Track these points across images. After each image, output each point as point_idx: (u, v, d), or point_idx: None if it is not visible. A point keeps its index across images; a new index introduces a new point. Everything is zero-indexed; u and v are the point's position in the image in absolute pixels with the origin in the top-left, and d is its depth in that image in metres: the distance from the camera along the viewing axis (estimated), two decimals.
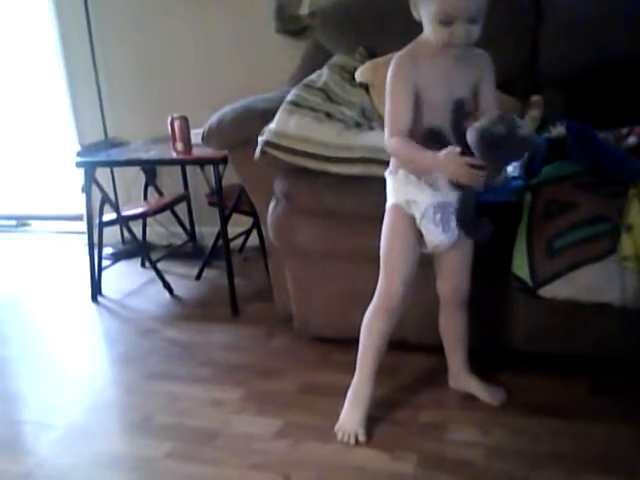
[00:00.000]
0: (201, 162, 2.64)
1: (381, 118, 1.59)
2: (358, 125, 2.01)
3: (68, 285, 2.91)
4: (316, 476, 1.50)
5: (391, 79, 1.48)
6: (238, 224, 2.79)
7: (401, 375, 1.87)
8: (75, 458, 1.64)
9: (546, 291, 1.57)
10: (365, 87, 2.18)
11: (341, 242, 1.89)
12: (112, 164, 2.80)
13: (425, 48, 1.46)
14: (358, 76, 2.20)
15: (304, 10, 2.61)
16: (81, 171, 2.61)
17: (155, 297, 2.65)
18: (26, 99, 3.76)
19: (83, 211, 2.85)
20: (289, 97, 2.00)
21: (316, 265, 1.98)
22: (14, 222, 3.81)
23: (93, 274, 2.68)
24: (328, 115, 1.97)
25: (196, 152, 2.49)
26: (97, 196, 2.63)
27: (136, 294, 2.72)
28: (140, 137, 2.93)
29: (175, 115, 2.52)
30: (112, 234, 3.07)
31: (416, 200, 1.51)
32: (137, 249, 2.99)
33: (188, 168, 3.00)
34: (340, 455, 1.56)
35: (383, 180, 1.60)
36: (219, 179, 2.38)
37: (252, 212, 2.57)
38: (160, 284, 2.66)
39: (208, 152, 2.34)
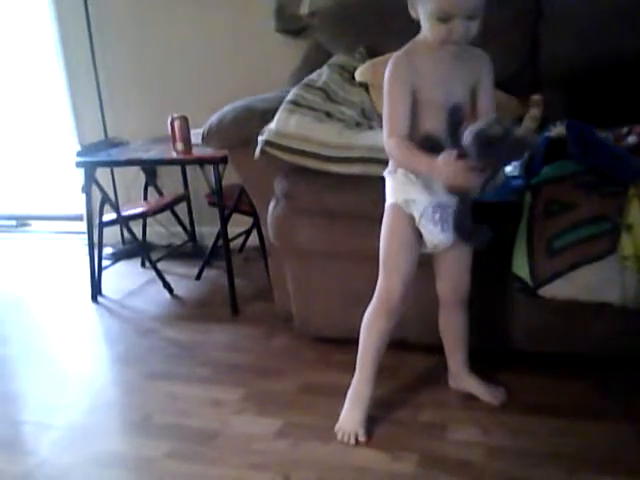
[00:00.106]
0: (201, 162, 2.63)
1: (381, 117, 1.59)
2: (358, 125, 2.01)
3: (68, 285, 2.91)
4: (316, 476, 1.50)
5: (388, 79, 1.48)
6: (238, 224, 2.79)
7: (401, 375, 1.87)
8: (75, 458, 1.64)
9: (546, 291, 1.57)
10: (365, 87, 2.19)
11: (341, 242, 1.88)
12: (112, 164, 2.80)
13: (423, 47, 1.46)
14: (358, 76, 2.20)
15: (304, 10, 2.61)
16: (81, 171, 2.60)
17: (155, 297, 2.65)
18: (26, 99, 3.76)
19: (83, 211, 2.85)
20: (289, 97, 2.00)
21: (316, 265, 1.98)
22: (14, 222, 3.81)
23: (93, 274, 2.68)
24: (328, 115, 1.97)
25: (196, 152, 2.49)
26: (97, 196, 2.63)
27: (136, 294, 2.72)
28: (140, 137, 2.93)
29: (175, 115, 2.52)
30: (112, 234, 3.07)
31: (415, 199, 1.50)
32: (137, 249, 2.99)
33: (188, 168, 3.00)
34: (340, 455, 1.56)
35: (383, 180, 1.60)
36: (219, 179, 2.38)
37: (252, 212, 2.57)
38: (160, 284, 2.66)
39: (208, 152, 2.34)
